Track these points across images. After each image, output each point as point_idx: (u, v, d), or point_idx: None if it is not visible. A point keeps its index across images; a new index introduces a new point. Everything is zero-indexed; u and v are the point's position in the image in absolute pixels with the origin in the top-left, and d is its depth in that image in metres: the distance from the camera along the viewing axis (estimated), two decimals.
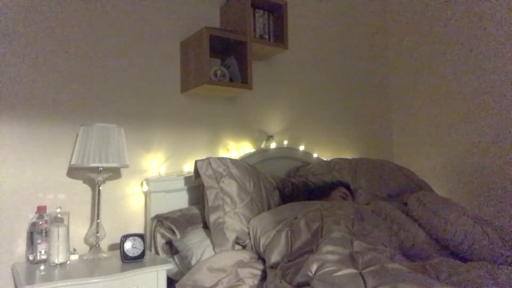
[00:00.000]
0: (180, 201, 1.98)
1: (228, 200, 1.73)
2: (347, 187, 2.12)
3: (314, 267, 1.15)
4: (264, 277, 1.43)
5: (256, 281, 1.40)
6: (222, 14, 2.29)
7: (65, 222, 1.58)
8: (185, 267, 1.67)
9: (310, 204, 1.68)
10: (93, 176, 1.70)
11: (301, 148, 2.54)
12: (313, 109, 2.74)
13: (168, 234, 1.74)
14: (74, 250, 1.68)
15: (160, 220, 1.79)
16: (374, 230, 1.46)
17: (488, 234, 1.55)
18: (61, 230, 1.52)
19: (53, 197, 1.73)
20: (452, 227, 1.59)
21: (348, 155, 2.89)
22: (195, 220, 1.79)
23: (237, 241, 1.68)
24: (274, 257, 1.43)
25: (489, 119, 2.64)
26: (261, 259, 1.54)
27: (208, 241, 1.69)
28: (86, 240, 1.76)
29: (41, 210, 1.59)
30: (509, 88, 2.54)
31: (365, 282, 1.06)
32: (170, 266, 1.60)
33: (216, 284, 1.44)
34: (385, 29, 3.31)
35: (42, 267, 1.49)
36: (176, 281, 1.59)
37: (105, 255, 1.66)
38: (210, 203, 1.73)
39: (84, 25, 1.86)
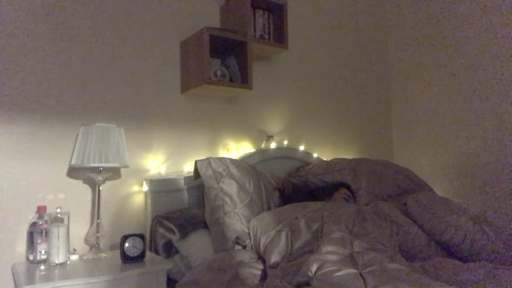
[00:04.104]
0: (180, 201, 1.98)
1: (228, 200, 1.73)
2: (349, 188, 2.12)
3: (314, 267, 1.15)
4: (264, 277, 1.43)
5: (256, 281, 1.40)
6: (222, 14, 2.29)
7: (65, 222, 1.58)
8: (185, 267, 1.67)
9: (310, 205, 1.68)
10: (93, 176, 1.70)
11: (301, 148, 2.54)
12: (313, 109, 2.74)
13: (168, 234, 1.74)
14: (74, 250, 1.68)
15: (160, 220, 1.79)
16: (374, 230, 1.46)
17: (488, 234, 1.55)
18: (61, 230, 1.52)
19: (53, 197, 1.73)
20: (452, 228, 1.59)
21: (348, 155, 2.89)
22: (195, 220, 1.79)
23: (237, 241, 1.68)
24: (274, 257, 1.43)
25: (489, 119, 2.63)
26: (261, 259, 1.54)
27: (208, 241, 1.69)
28: (86, 240, 1.76)
29: (41, 210, 1.59)
30: (510, 88, 2.54)
31: (365, 282, 1.06)
32: (170, 266, 1.60)
33: (216, 284, 1.44)
34: (385, 29, 3.31)
35: (42, 267, 1.49)
36: (176, 281, 1.59)
37: (105, 255, 1.67)
38: (210, 203, 1.73)
39: (84, 25, 1.86)
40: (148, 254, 1.72)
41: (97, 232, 1.68)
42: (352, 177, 2.24)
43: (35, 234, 1.55)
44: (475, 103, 2.71)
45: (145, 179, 1.95)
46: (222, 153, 2.27)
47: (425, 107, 3.02)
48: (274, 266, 1.41)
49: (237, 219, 1.69)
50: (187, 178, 1.99)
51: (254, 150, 2.31)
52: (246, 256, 1.56)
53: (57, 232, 1.51)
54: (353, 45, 3.05)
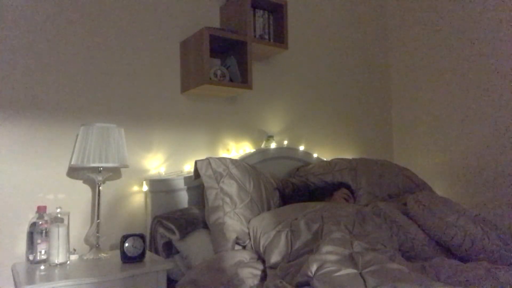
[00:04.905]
0: (180, 201, 1.98)
1: (228, 200, 1.73)
2: (349, 188, 2.12)
3: (314, 267, 1.15)
4: (264, 277, 1.42)
5: (256, 281, 1.40)
6: (222, 14, 2.29)
7: (65, 222, 1.58)
8: (185, 267, 1.67)
9: (310, 205, 1.68)
10: (93, 176, 1.70)
11: (301, 148, 2.54)
12: (313, 109, 2.74)
13: (168, 234, 1.74)
14: (74, 250, 1.68)
15: (160, 220, 1.79)
16: (374, 231, 1.46)
17: (488, 234, 1.55)
18: (61, 230, 1.52)
19: (53, 197, 1.73)
20: (452, 228, 1.59)
21: (348, 155, 2.89)
22: (195, 220, 1.79)
23: (237, 242, 1.68)
24: (274, 258, 1.43)
25: (489, 119, 2.64)
26: (261, 259, 1.54)
27: (208, 241, 1.68)
28: (86, 240, 1.76)
29: (41, 210, 1.59)
30: (510, 88, 2.54)
31: (365, 282, 1.06)
32: (170, 266, 1.60)
33: (216, 284, 1.44)
34: (385, 29, 3.31)
35: (42, 267, 1.49)
36: (176, 281, 1.59)
37: (105, 255, 1.67)
38: (210, 203, 1.73)
39: (84, 25, 1.86)
40: (148, 254, 1.72)
41: (97, 232, 1.68)
42: (352, 177, 2.24)
43: (35, 234, 1.55)
44: (475, 103, 2.71)
45: (145, 179, 1.95)
46: (222, 153, 2.27)
47: (425, 107, 3.02)
48: (274, 267, 1.41)
49: (237, 219, 1.69)
50: (187, 178, 1.99)
51: (254, 150, 2.31)
52: (246, 256, 1.56)
53: (57, 232, 1.51)
54: (353, 45, 3.05)
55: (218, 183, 1.76)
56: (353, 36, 3.06)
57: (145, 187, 1.94)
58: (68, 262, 1.56)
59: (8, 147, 1.65)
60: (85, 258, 1.64)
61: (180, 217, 1.78)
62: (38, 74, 1.73)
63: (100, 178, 1.70)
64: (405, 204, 1.88)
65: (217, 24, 2.29)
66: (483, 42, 2.67)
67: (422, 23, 3.04)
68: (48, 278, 1.37)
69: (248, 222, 1.70)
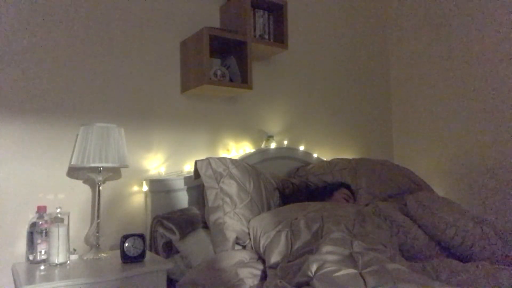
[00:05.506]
0: (180, 201, 1.98)
1: (228, 200, 1.73)
2: (349, 188, 2.12)
3: (314, 267, 1.15)
4: (264, 277, 1.43)
5: (256, 281, 1.40)
6: (222, 14, 2.29)
7: (65, 222, 1.58)
8: (185, 267, 1.67)
9: (310, 205, 1.68)
10: (93, 176, 1.70)
11: (301, 148, 2.54)
12: (313, 109, 2.74)
13: (168, 234, 1.74)
14: (74, 250, 1.68)
15: (160, 220, 1.79)
16: (374, 231, 1.45)
17: (488, 234, 1.55)
18: (61, 230, 1.52)
19: (53, 197, 1.73)
20: (452, 228, 1.59)
21: (348, 155, 2.89)
22: (195, 220, 1.79)
23: (237, 242, 1.68)
24: (274, 258, 1.43)
25: (489, 118, 2.63)
26: (261, 259, 1.54)
27: (208, 241, 1.68)
28: (86, 240, 1.75)
29: (41, 210, 1.59)
30: (510, 88, 2.54)
31: (365, 282, 1.06)
32: (170, 266, 1.60)
33: (216, 284, 1.44)
34: (385, 29, 3.31)
35: (42, 267, 1.49)
36: (176, 281, 1.59)
37: (105, 255, 1.67)
38: (210, 203, 1.73)
39: (84, 25, 1.86)
40: (148, 254, 1.72)
41: (97, 232, 1.68)
42: (352, 177, 2.24)
43: (35, 234, 1.55)
44: (475, 103, 2.71)
45: (145, 179, 1.95)
46: (222, 153, 2.27)
47: (425, 107, 3.02)
48: (274, 267, 1.41)
49: (237, 219, 1.69)
50: (187, 178, 1.99)
51: (254, 150, 2.31)
52: (246, 256, 1.56)
53: (57, 232, 1.51)
54: (353, 45, 3.05)
55: (218, 183, 1.76)
56: (353, 36, 3.06)
57: (145, 187, 1.94)
58: (68, 262, 1.56)
59: (8, 147, 1.65)
60: (85, 258, 1.64)
61: (180, 217, 1.78)
62: (38, 74, 1.73)
63: (100, 178, 1.70)
64: (405, 204, 1.88)
65: (217, 24, 2.29)
66: (483, 43, 2.67)
67: (422, 23, 3.04)
68: (48, 278, 1.37)
69: (248, 222, 1.70)
